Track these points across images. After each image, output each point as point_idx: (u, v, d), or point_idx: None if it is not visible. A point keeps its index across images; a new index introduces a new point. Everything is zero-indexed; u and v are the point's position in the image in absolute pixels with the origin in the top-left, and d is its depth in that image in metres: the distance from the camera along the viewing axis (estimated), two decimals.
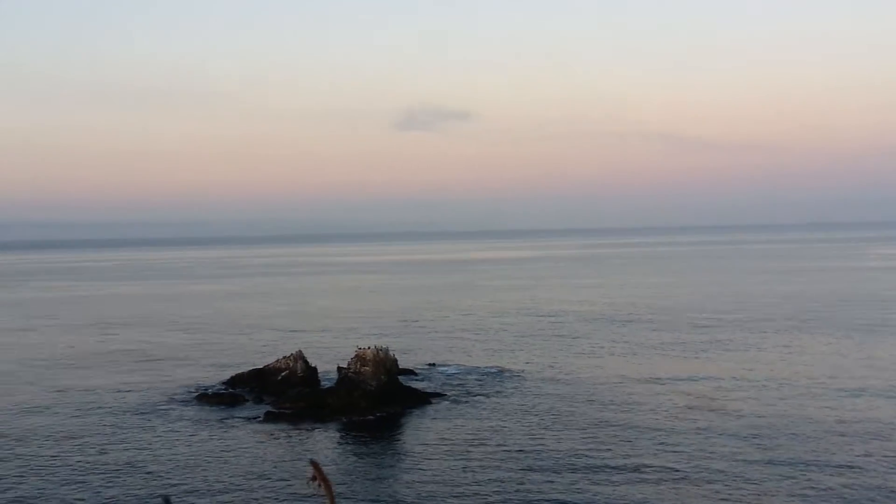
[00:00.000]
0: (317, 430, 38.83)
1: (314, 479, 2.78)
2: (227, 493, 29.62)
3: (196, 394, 46.17)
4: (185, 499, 28.91)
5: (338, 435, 38.41)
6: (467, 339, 67.10)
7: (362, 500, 28.67)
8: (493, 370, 52.29)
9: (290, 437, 37.56)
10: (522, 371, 51.64)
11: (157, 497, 29.08)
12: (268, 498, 29.07)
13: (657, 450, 33.86)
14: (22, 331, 77.61)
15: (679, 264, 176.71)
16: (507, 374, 50.70)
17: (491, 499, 28.67)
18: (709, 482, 29.74)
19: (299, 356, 48.31)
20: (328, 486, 2.77)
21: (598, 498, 28.40)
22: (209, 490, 29.91)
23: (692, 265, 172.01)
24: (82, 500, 29.11)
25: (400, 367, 46.89)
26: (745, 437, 35.35)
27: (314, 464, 2.74)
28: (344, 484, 30.34)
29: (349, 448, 36.43)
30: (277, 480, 30.98)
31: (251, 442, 36.67)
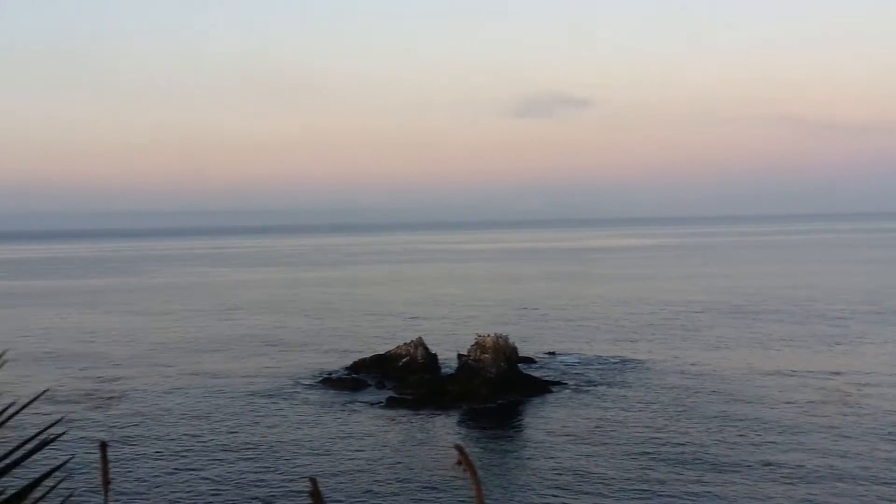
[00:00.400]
0: (438, 416, 39.21)
1: (459, 463, 2.73)
2: (353, 475, 30.26)
3: (320, 378, 47.36)
4: (308, 473, 29.67)
5: (459, 422, 38.69)
6: (587, 327, 66.34)
7: (488, 487, 28.75)
8: (614, 360, 51.53)
9: (412, 422, 38.06)
10: (644, 361, 50.68)
11: (285, 474, 30.04)
12: (390, 481, 29.55)
13: (786, 447, 32.63)
14: (157, 315, 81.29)
15: (809, 253, 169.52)
16: (629, 364, 49.87)
17: (616, 489, 28.29)
18: (842, 482, 28.43)
19: (420, 343, 48.88)
20: (474, 472, 2.71)
21: (724, 494, 27.60)
22: (335, 471, 30.63)
23: (824, 254, 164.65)
24: (218, 477, 30.31)
25: (520, 354, 46.79)
26: (882, 436, 33.63)
27: (459, 448, 2.69)
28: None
29: (471, 435, 36.65)
30: (399, 464, 31.46)
31: (374, 426, 37.37)
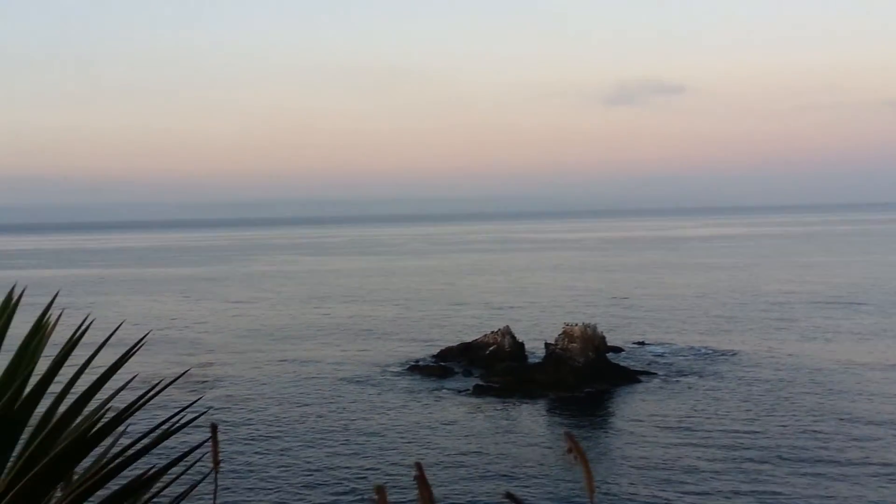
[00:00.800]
0: (525, 404, 39.13)
1: (570, 451, 2.68)
2: (443, 461, 30.46)
3: (408, 366, 47.81)
4: (399, 465, 30.04)
5: (547, 410, 38.52)
6: (678, 317, 65.09)
7: (578, 477, 28.57)
8: (705, 350, 50.44)
9: (499, 410, 38.07)
10: (737, 352, 49.45)
11: (376, 459, 30.45)
12: (481, 468, 29.64)
13: (887, 442, 31.39)
14: (251, 303, 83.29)
15: None
16: (721, 355, 48.74)
17: (708, 481, 27.73)
18: None
19: (507, 331, 48.83)
20: (585, 460, 2.66)
21: (820, 491, 26.75)
22: (424, 457, 30.90)
23: None
24: (311, 459, 30.94)
25: (608, 344, 46.29)
26: None
27: (570, 436, 2.64)
28: (558, 460, 30.39)
29: (559, 424, 36.43)
30: (489, 452, 31.50)
31: (462, 413, 37.53)
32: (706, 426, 34.18)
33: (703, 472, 28.71)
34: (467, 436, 33.80)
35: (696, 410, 36.69)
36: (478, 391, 41.47)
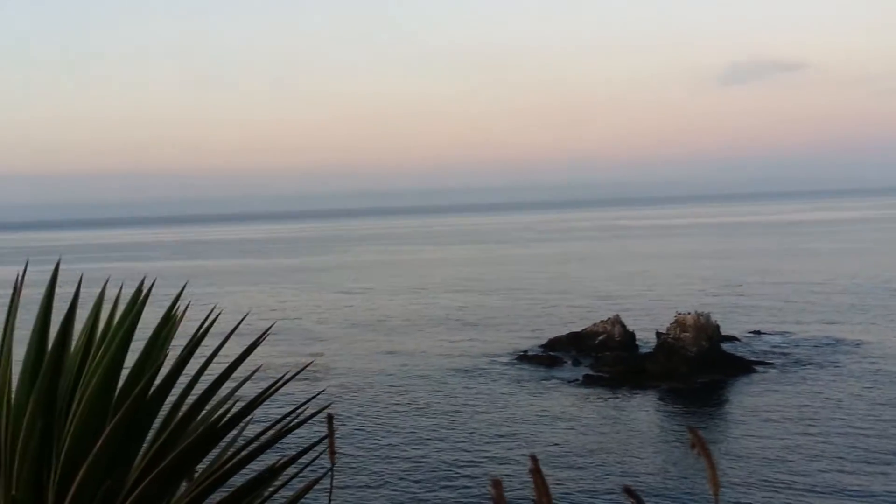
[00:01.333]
0: (636, 394, 38.45)
1: (693, 446, 2.53)
2: (555, 451, 30.24)
3: (516, 355, 47.66)
4: (511, 458, 29.97)
5: (659, 401, 37.76)
6: (797, 305, 62.75)
7: (697, 468, 27.94)
8: (825, 340, 48.43)
9: (610, 400, 37.54)
10: (861, 342, 47.29)
11: (487, 449, 30.48)
12: (589, 457, 29.31)
13: None
14: (359, 293, 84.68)
15: None
16: (843, 346, 46.70)
17: (835, 479, 26.63)
18: None
19: (616, 320, 48.09)
20: (709, 456, 2.50)
21: None
22: (536, 446, 30.75)
23: None
24: (419, 451, 31.23)
25: (722, 333, 45.00)
26: None
27: (693, 431, 2.49)
28: (676, 449, 29.75)
29: (674, 415, 35.67)
30: (600, 443, 31.12)
31: (571, 403, 37.17)
32: (828, 419, 32.82)
33: (829, 469, 27.57)
34: (579, 427, 33.44)
35: (816, 403, 35.28)
36: (587, 381, 41.00)
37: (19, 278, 3.66)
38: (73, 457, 3.32)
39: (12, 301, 3.61)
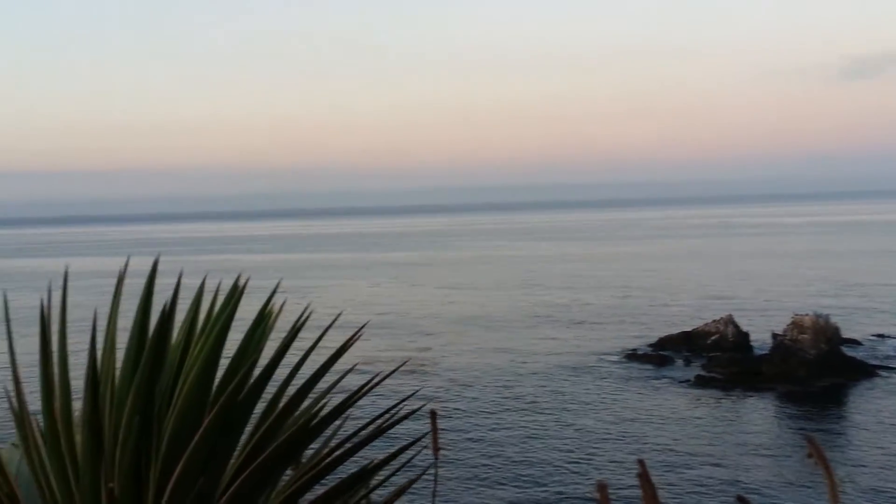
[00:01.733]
0: (750, 397, 37.19)
1: (810, 456, 2.32)
2: (661, 456, 29.57)
3: (624, 354, 46.84)
4: (617, 460, 29.44)
5: (775, 404, 36.40)
6: None
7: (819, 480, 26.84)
8: None
9: (723, 402, 36.45)
10: None
11: (595, 449, 30.02)
12: (700, 462, 28.49)
13: None
14: (461, 288, 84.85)
15: None
16: None
17: None
18: None
19: (729, 320, 46.70)
20: (827, 466, 2.29)
21: None
22: (643, 452, 30.14)
23: None
24: (523, 451, 31.05)
25: (842, 335, 43.09)
26: None
27: (811, 440, 2.28)
28: (792, 457, 28.65)
29: (791, 419, 34.33)
30: (712, 448, 30.22)
31: (682, 405, 36.25)
32: None
33: None
34: (689, 429, 32.56)
35: None
36: (699, 382, 39.90)
37: (122, 270, 3.68)
38: (172, 451, 3.31)
39: (116, 293, 3.63)
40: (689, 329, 49.17)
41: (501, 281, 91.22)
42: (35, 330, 3.39)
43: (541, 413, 35.45)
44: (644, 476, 2.53)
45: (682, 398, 37.21)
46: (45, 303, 3.47)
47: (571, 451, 30.19)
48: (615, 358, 46.15)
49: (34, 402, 3.57)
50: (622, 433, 32.21)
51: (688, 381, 40.20)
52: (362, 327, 3.95)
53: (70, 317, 3.55)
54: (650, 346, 48.66)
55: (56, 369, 3.51)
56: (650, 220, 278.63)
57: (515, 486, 27.26)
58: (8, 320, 3.74)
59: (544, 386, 40.39)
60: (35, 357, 3.49)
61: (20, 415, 3.53)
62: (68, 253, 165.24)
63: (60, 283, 3.66)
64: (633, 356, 45.98)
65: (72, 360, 3.53)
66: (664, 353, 46.34)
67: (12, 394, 3.58)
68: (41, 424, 3.52)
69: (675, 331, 50.21)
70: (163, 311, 3.30)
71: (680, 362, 44.22)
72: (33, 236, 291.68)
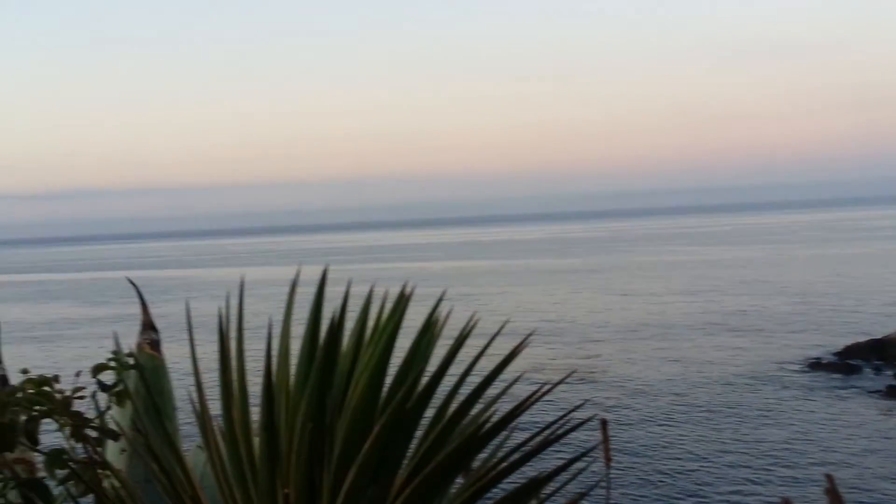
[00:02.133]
0: None
1: (827, 492, 2.10)
2: (849, 471, 27.79)
3: (807, 363, 44.43)
4: (798, 469, 27.91)
5: None
6: None
7: None
8: None
9: None
10: None
11: (776, 461, 28.59)
12: (888, 475, 26.54)
13: None
14: (632, 295, 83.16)
15: None
16: None
17: None
18: None
19: None
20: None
21: None
22: (826, 461, 28.46)
23: None
24: (699, 464, 30.01)
25: None
26: None
27: (829, 477, 2.07)
28: None
29: None
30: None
31: (870, 415, 33.98)
32: None
33: None
34: (880, 444, 30.41)
35: None
36: (892, 392, 37.23)
37: (294, 279, 3.76)
38: (344, 458, 3.34)
39: (289, 302, 3.71)
40: (878, 336, 46.09)
41: (673, 286, 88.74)
42: (214, 337, 3.51)
43: (717, 423, 34.10)
44: (832, 492, 2.35)
45: (872, 409, 34.85)
46: (223, 311, 3.58)
47: (750, 464, 28.84)
48: (796, 367, 43.82)
49: (215, 408, 3.70)
50: (805, 446, 30.48)
51: (879, 391, 37.62)
52: (529, 335, 3.86)
53: (246, 325, 3.66)
54: (834, 354, 45.91)
55: (234, 375, 3.62)
56: (829, 221, 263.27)
57: (692, 499, 26.30)
58: (190, 328, 3.88)
59: (721, 395, 38.87)
60: (215, 363, 3.62)
61: (203, 420, 3.66)
62: (244, 263, 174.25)
63: (237, 291, 3.78)
64: (816, 365, 43.52)
65: (248, 366, 3.63)
66: (851, 361, 43.59)
67: (195, 399, 3.71)
68: (223, 429, 3.63)
69: (861, 338, 47.21)
70: (332, 319, 3.34)
71: (869, 371, 41.47)
72: (210, 247, 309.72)
